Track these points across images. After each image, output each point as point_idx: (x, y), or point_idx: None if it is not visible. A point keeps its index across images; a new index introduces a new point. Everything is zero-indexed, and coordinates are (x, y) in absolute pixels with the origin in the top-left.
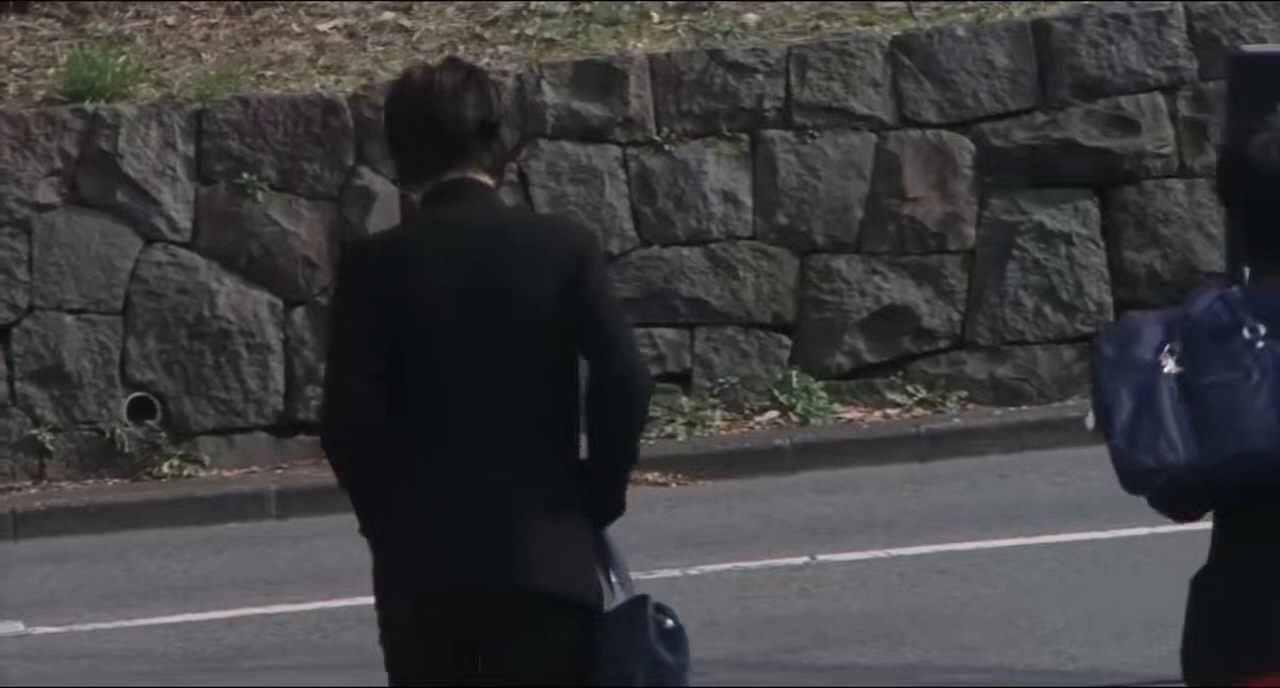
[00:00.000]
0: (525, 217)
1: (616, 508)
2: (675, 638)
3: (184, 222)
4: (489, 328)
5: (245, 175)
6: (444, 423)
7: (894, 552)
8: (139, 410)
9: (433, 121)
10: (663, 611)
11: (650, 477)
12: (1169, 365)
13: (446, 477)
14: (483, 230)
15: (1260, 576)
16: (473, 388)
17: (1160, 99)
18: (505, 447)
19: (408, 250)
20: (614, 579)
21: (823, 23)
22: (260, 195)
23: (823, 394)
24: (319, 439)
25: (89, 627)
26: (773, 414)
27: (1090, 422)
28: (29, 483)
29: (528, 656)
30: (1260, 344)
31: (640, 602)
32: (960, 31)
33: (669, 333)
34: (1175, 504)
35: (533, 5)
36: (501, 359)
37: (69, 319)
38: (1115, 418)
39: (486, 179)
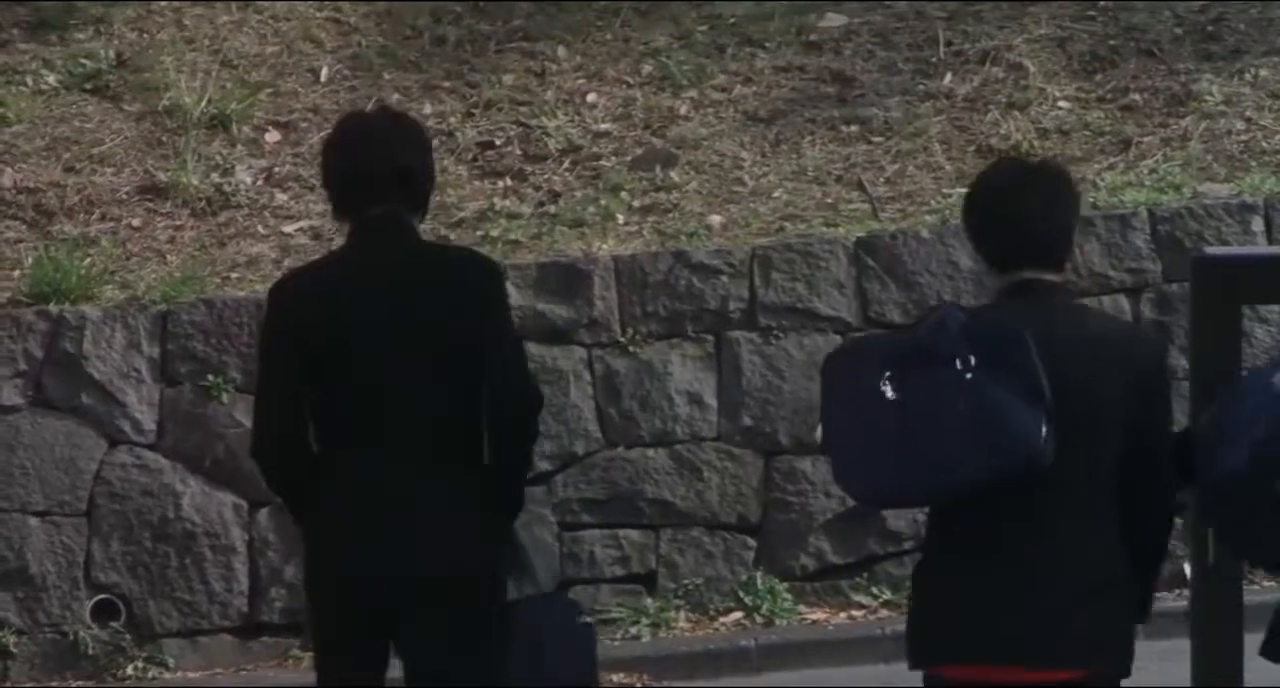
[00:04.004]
0: (436, 250)
1: (516, 504)
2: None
3: (149, 423)
4: (395, 350)
5: (210, 377)
6: (357, 436)
7: None
8: (103, 613)
9: (357, 163)
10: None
11: (615, 678)
12: (888, 391)
13: (357, 481)
14: (395, 263)
15: (955, 577)
16: (381, 405)
17: (1124, 301)
18: (410, 454)
19: (324, 283)
20: (529, 578)
21: (787, 224)
22: (225, 397)
23: (788, 595)
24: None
25: None
26: (737, 615)
27: (819, 435)
28: None
29: (429, 629)
30: (969, 376)
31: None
32: (924, 233)
33: (634, 534)
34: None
35: (498, 206)
36: (406, 378)
37: (33, 521)
38: (834, 445)
39: (408, 214)
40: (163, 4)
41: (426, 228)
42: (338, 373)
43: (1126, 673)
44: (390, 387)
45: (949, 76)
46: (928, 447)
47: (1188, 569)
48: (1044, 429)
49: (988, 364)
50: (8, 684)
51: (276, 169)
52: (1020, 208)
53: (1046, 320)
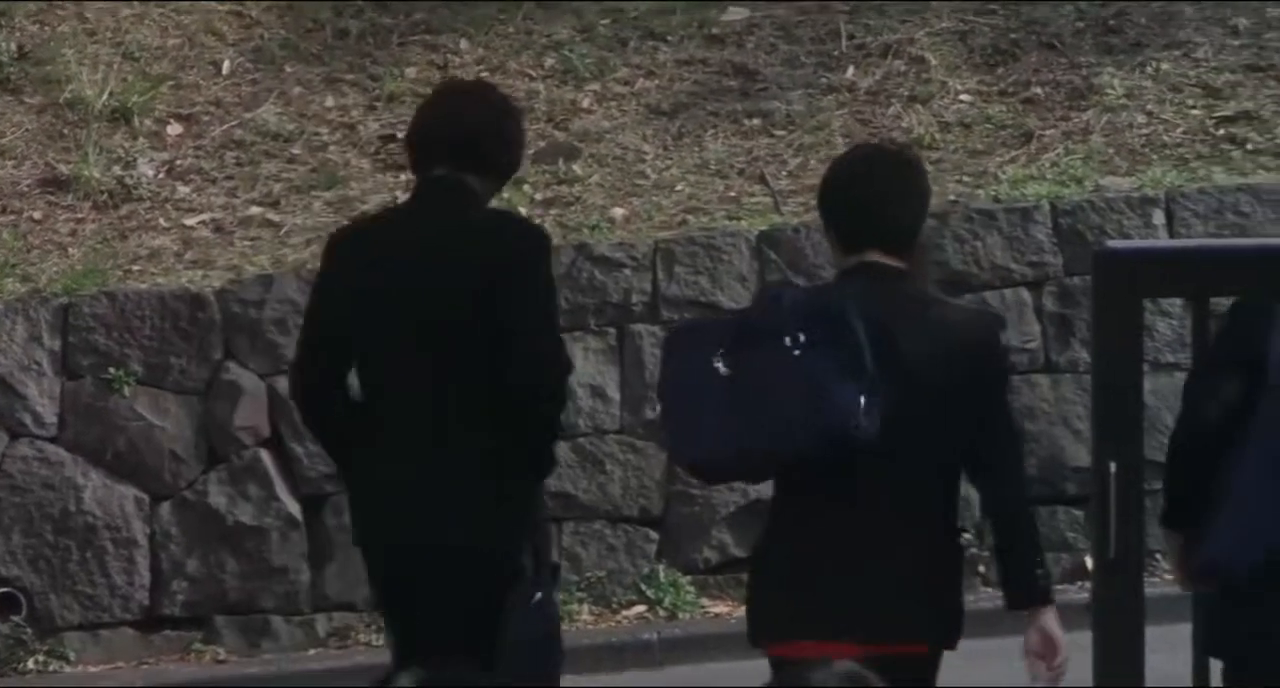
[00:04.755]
0: (485, 215)
1: (546, 466)
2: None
3: (49, 416)
4: (424, 314)
5: (112, 370)
6: (387, 398)
7: None
8: (4, 606)
9: (421, 126)
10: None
11: None
12: (721, 367)
13: (385, 446)
14: (438, 227)
15: (792, 554)
16: (409, 369)
17: (1026, 294)
18: (435, 419)
19: (367, 242)
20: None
21: (689, 217)
22: (127, 390)
23: (690, 588)
24: None
25: None
26: (640, 608)
27: (660, 412)
28: None
29: (447, 597)
30: (797, 353)
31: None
32: None
33: None
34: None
35: (401, 199)
36: (433, 343)
37: None
38: (668, 418)
39: (471, 178)
40: None
41: (329, 220)
42: (368, 334)
43: (952, 646)
44: (417, 351)
45: (851, 70)
46: (754, 421)
47: (1089, 562)
48: (863, 402)
49: (815, 342)
50: None
51: (178, 162)
52: (869, 190)
53: (882, 301)
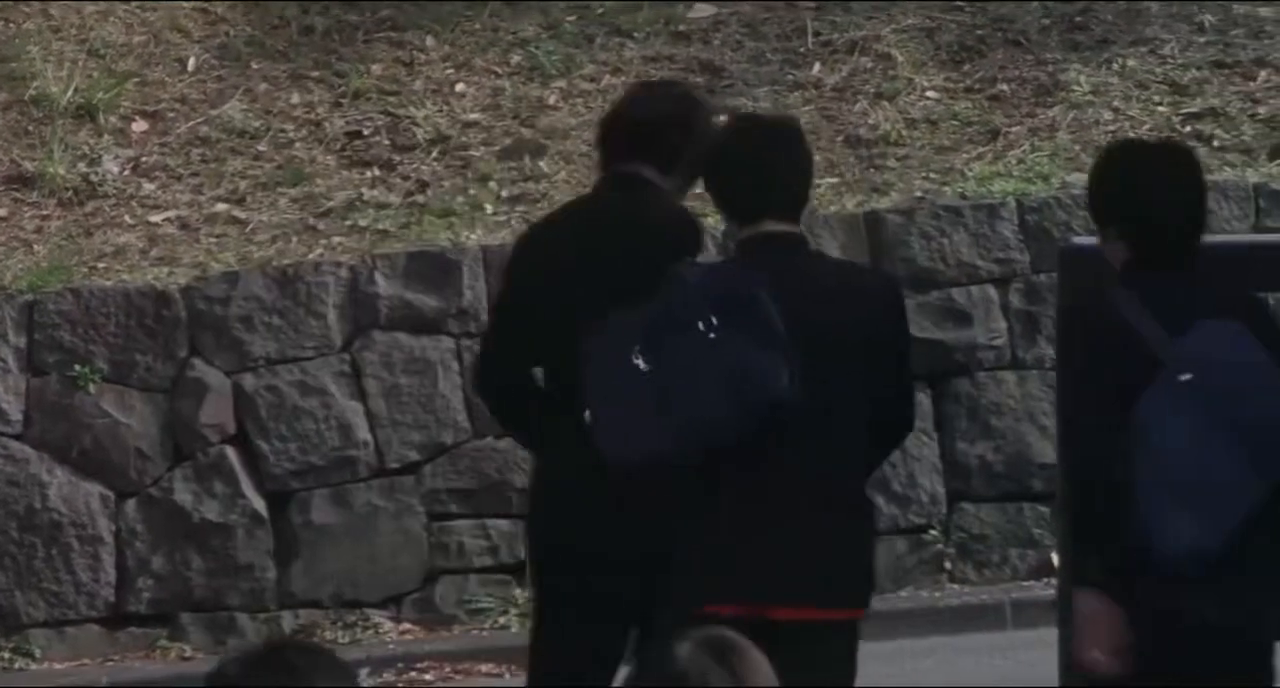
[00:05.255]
0: (645, 209)
1: None
2: None
3: (15, 414)
4: (593, 306)
5: (77, 367)
6: (562, 396)
7: None
8: None
9: (610, 120)
10: None
11: (483, 668)
12: (640, 363)
13: (557, 445)
14: (611, 222)
15: (719, 520)
16: (574, 365)
17: (992, 291)
18: None
19: (544, 237)
20: None
21: None
22: (92, 387)
23: None
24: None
25: None
26: None
27: (589, 416)
28: None
29: (602, 601)
30: (712, 336)
31: None
32: None
33: (503, 524)
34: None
35: (366, 196)
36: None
37: None
38: (596, 419)
39: (653, 172)
40: None
41: (295, 216)
42: (552, 326)
43: (862, 610)
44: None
45: (817, 67)
46: (685, 410)
47: (1054, 559)
48: (786, 374)
49: (729, 323)
50: None
51: (144, 159)
52: (759, 160)
53: (788, 271)
